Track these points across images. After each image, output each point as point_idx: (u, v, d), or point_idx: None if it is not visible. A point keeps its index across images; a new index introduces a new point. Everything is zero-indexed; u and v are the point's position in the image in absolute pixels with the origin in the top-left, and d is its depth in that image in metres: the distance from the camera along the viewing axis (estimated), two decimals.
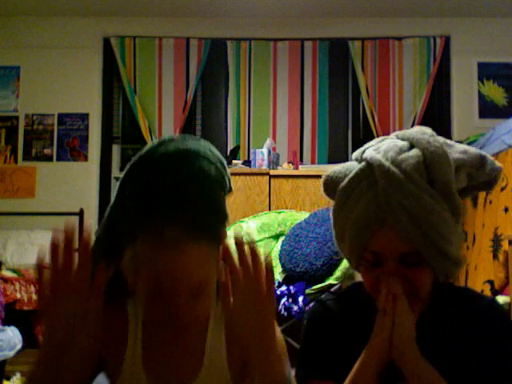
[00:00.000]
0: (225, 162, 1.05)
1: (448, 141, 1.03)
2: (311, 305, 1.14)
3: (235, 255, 0.84)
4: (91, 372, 0.97)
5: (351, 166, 1.04)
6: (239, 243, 0.83)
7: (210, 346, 1.02)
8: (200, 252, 0.91)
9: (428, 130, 1.02)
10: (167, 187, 0.93)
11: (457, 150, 1.01)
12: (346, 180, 1.01)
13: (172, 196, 0.92)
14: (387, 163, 0.95)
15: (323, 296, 1.14)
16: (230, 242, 0.87)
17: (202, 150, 1.00)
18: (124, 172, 1.01)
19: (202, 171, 0.96)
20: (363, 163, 1.01)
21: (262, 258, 0.83)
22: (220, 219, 0.99)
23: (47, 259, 0.83)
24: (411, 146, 0.99)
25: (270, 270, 0.83)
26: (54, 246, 0.83)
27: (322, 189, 1.08)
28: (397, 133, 1.06)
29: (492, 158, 1.01)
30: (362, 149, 1.07)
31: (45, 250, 0.83)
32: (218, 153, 1.04)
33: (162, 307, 0.91)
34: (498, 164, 1.01)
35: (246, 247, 0.82)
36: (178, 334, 0.97)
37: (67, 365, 0.84)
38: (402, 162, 0.95)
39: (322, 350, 1.07)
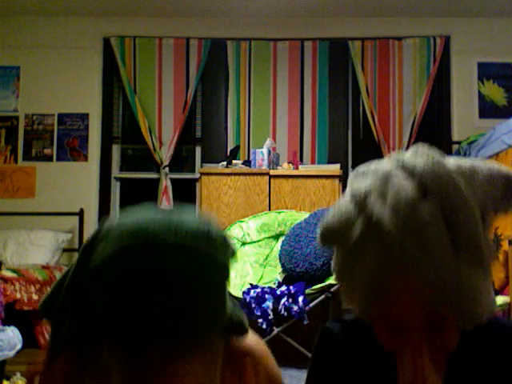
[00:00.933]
0: (226, 238, 0.80)
1: (466, 167, 0.86)
2: (318, 335, 1.01)
3: None
4: None
5: (351, 217, 0.85)
6: None
7: None
8: (195, 370, 0.74)
9: (442, 167, 0.84)
10: (149, 293, 0.70)
11: (480, 181, 0.85)
12: (351, 241, 0.84)
13: (156, 305, 0.70)
14: (400, 230, 0.79)
15: (329, 324, 1.02)
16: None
17: (200, 227, 0.75)
18: (83, 249, 0.80)
19: (199, 279, 0.73)
20: (366, 219, 0.83)
21: None
22: (218, 327, 0.79)
23: None
24: (424, 192, 0.81)
25: None
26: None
27: (318, 240, 0.93)
28: (403, 159, 0.88)
29: None
30: (360, 188, 0.86)
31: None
32: (218, 232, 0.78)
33: None
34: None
35: None
36: None
37: None
38: (419, 227, 0.78)
39: None
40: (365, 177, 0.88)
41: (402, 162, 0.86)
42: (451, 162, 0.86)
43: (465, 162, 0.87)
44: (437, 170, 0.83)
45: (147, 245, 0.71)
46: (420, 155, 0.87)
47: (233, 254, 0.80)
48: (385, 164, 0.88)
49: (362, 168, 0.91)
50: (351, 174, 0.92)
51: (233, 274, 3.15)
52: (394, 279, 0.80)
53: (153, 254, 0.71)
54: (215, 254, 0.75)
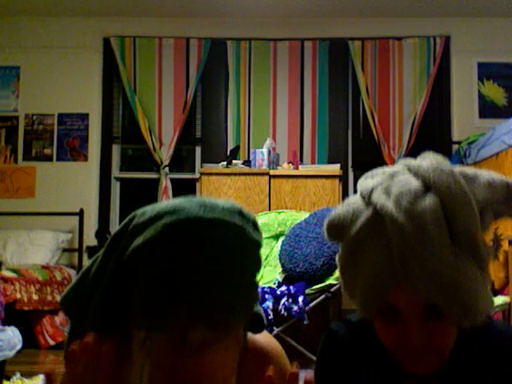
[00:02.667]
0: (257, 224, 0.83)
1: (469, 172, 0.89)
2: (322, 338, 1.02)
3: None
4: None
5: (357, 210, 0.89)
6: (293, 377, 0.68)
7: None
8: (226, 352, 0.76)
9: (446, 166, 0.87)
10: (195, 277, 0.71)
11: (481, 183, 0.88)
12: (354, 230, 0.87)
13: (201, 290, 0.71)
14: (401, 216, 0.82)
15: (333, 325, 1.03)
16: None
17: (237, 218, 0.78)
18: (120, 226, 0.78)
19: (238, 255, 0.75)
20: (371, 210, 0.86)
21: None
22: (251, 308, 0.80)
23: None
24: (426, 188, 0.85)
25: None
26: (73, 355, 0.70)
27: (325, 234, 0.95)
28: (410, 163, 0.91)
29: None
30: (368, 185, 0.91)
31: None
32: (249, 213, 0.82)
33: None
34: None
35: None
36: None
37: None
38: (419, 215, 0.81)
39: None
40: (373, 177, 0.92)
41: (409, 164, 0.91)
42: (456, 167, 0.90)
43: (468, 169, 0.90)
44: (440, 169, 0.86)
45: (187, 220, 0.72)
46: (425, 159, 0.90)
47: (261, 234, 0.81)
48: (392, 167, 0.93)
49: (371, 171, 0.95)
50: (362, 177, 0.96)
51: None
52: (394, 269, 0.82)
53: (194, 229, 0.72)
54: (249, 229, 0.77)
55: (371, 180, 0.91)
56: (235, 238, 0.74)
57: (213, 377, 0.74)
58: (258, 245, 0.78)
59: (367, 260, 0.85)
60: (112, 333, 0.75)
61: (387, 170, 0.92)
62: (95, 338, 0.71)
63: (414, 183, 0.85)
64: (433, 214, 0.81)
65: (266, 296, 3.01)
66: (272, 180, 4.07)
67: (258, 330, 0.86)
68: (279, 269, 3.41)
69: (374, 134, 4.70)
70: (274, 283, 3.34)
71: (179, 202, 0.76)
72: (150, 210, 0.76)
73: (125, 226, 0.77)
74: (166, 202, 0.77)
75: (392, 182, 0.88)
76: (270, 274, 3.50)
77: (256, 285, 0.80)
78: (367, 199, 0.88)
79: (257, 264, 0.78)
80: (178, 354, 0.72)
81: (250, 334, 0.87)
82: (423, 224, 0.81)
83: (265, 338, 0.90)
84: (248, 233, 0.76)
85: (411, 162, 0.91)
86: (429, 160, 0.89)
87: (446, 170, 0.86)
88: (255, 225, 0.80)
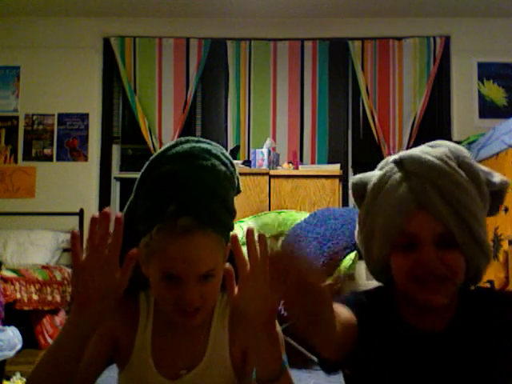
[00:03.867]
0: (235, 166, 1.17)
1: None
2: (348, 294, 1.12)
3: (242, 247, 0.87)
4: (107, 358, 1.06)
5: (377, 172, 1.07)
6: (249, 232, 0.85)
7: (214, 336, 1.10)
8: (209, 241, 1.02)
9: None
10: (181, 182, 1.05)
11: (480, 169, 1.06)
12: (378, 177, 1.04)
13: (186, 189, 1.04)
14: (419, 153, 1.00)
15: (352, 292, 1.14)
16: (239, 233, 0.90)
17: (214, 150, 1.13)
18: (142, 169, 1.12)
19: (214, 168, 1.08)
20: (391, 163, 1.05)
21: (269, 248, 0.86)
22: (228, 213, 1.10)
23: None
24: (435, 147, 1.04)
25: (279, 256, 0.82)
26: (94, 220, 0.87)
27: (351, 193, 1.11)
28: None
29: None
30: (383, 160, 1.10)
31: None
32: (229, 156, 1.17)
33: (172, 291, 0.99)
34: (506, 178, 1.06)
35: (255, 237, 0.84)
36: (186, 320, 1.01)
37: (89, 342, 0.90)
38: (436, 152, 1.00)
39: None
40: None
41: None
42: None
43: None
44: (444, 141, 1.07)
45: (183, 152, 1.10)
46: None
47: (234, 166, 1.17)
48: None
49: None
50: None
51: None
52: (414, 197, 0.97)
53: (186, 154, 1.09)
54: (222, 165, 1.12)
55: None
56: (211, 165, 1.08)
57: (200, 256, 0.99)
58: (229, 172, 1.13)
59: (389, 195, 1.00)
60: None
61: None
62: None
63: (424, 146, 1.07)
64: (444, 149, 1.01)
65: None
66: (272, 180, 4.06)
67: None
68: None
69: (374, 134, 4.70)
70: None
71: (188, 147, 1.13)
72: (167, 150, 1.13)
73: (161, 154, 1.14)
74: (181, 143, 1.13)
75: (414, 151, 1.06)
76: None
77: (230, 196, 1.12)
78: (385, 163, 1.07)
79: (230, 182, 1.12)
80: (171, 235, 0.98)
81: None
82: (436, 154, 0.99)
83: None
84: (219, 164, 1.11)
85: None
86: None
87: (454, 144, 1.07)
88: (231, 162, 1.17)
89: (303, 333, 0.82)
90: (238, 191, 1.20)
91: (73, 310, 0.89)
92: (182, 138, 1.15)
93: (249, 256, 0.85)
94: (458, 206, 0.95)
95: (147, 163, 1.13)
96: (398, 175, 1.01)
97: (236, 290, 0.86)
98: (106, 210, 0.87)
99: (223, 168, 1.11)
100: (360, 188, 1.08)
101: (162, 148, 1.13)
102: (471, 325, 1.02)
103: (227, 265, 0.87)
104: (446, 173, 0.97)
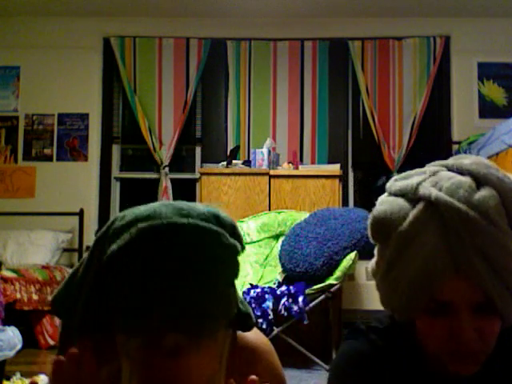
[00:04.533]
0: (236, 226, 0.83)
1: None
2: (347, 340, 0.97)
3: None
4: None
5: (405, 207, 0.86)
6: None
7: None
8: (206, 358, 0.76)
9: (488, 162, 0.87)
10: (168, 285, 0.72)
11: None
12: (407, 223, 0.84)
13: (175, 296, 0.72)
14: (460, 204, 0.80)
15: (360, 325, 0.98)
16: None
17: (209, 226, 0.76)
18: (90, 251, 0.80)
19: (213, 260, 0.74)
20: (423, 203, 0.84)
21: None
22: (230, 316, 0.80)
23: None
24: (478, 183, 0.83)
25: None
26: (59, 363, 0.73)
27: (369, 233, 0.92)
28: (446, 162, 0.89)
29: None
30: (408, 183, 0.87)
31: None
32: (227, 218, 0.81)
33: None
34: None
35: None
36: None
37: None
38: (480, 203, 0.80)
39: None
40: (408, 178, 0.89)
41: (446, 164, 0.89)
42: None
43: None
44: (485, 164, 0.86)
45: (161, 225, 0.72)
46: (463, 158, 0.89)
47: (241, 239, 0.81)
48: (428, 167, 0.91)
49: (401, 174, 0.92)
50: (391, 180, 0.92)
51: None
52: (450, 257, 0.81)
53: (167, 234, 0.72)
54: (226, 234, 0.76)
55: (406, 180, 0.88)
56: (209, 244, 0.74)
57: (191, 379, 0.74)
58: (236, 250, 0.78)
59: (420, 251, 0.82)
60: (98, 334, 0.76)
61: (424, 169, 0.90)
62: (79, 348, 0.73)
63: (464, 178, 0.84)
64: (494, 201, 0.81)
65: (266, 296, 3.01)
66: (272, 180, 4.07)
67: (246, 329, 0.86)
68: (279, 269, 3.41)
69: (374, 133, 4.70)
70: (274, 283, 3.34)
71: (158, 206, 0.76)
72: (129, 214, 0.76)
73: (106, 229, 0.77)
74: (146, 206, 0.77)
75: (437, 178, 0.86)
76: (269, 274, 3.50)
77: (233, 290, 0.79)
78: (412, 194, 0.85)
79: (234, 269, 0.78)
80: (154, 357, 0.73)
81: (239, 332, 0.87)
82: (486, 211, 0.80)
83: (254, 335, 0.90)
84: (224, 238, 0.76)
85: (447, 162, 0.89)
86: (468, 159, 0.88)
87: (491, 165, 0.86)
88: (234, 229, 0.80)
89: None
90: (243, 249, 0.85)
91: None
92: (163, 205, 0.78)
93: None
94: (499, 268, 0.81)
95: (93, 246, 0.79)
96: (432, 226, 0.82)
97: None
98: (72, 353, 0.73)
99: (225, 253, 0.77)
100: (384, 229, 0.88)
101: (134, 215, 0.76)
102: (499, 369, 0.92)
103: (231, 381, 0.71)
104: (496, 240, 0.80)
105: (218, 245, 0.75)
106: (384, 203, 0.89)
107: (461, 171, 0.85)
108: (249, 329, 0.87)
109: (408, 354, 0.92)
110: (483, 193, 0.81)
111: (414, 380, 0.91)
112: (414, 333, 0.89)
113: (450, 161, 0.89)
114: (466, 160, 0.87)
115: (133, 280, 0.71)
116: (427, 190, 0.83)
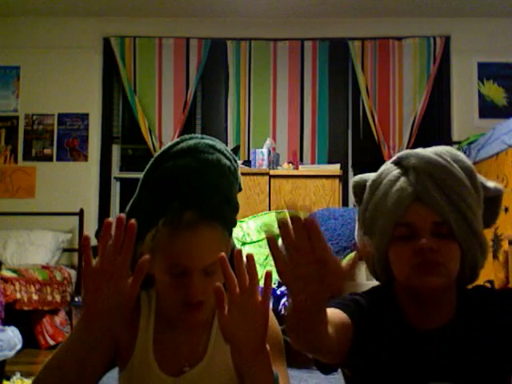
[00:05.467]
0: (238, 162, 1.20)
1: None
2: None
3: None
4: (109, 360, 1.04)
5: (386, 169, 1.12)
6: (238, 254, 0.84)
7: (215, 335, 1.09)
8: (213, 234, 1.04)
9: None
10: (186, 176, 1.08)
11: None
12: (375, 174, 1.11)
13: (190, 184, 1.07)
14: (415, 151, 1.07)
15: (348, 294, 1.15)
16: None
17: (218, 145, 1.15)
18: (147, 167, 1.14)
19: (219, 162, 1.11)
20: (390, 164, 1.11)
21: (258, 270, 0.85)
22: (232, 208, 1.15)
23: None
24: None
25: (267, 286, 0.85)
26: (108, 225, 0.86)
27: (351, 191, 1.17)
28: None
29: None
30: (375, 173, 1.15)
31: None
32: (232, 153, 1.19)
33: (177, 284, 1.00)
34: (501, 187, 1.12)
35: (244, 259, 0.84)
36: (190, 315, 1.01)
37: (97, 347, 0.89)
38: (429, 149, 1.07)
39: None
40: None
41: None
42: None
43: None
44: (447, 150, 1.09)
45: (188, 148, 1.13)
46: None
47: (235, 161, 1.19)
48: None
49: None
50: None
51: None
52: (413, 191, 1.02)
53: (197, 151, 1.12)
54: (226, 159, 1.14)
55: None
56: (220, 167, 1.11)
57: (203, 248, 1.01)
58: (233, 167, 1.16)
59: (388, 190, 1.04)
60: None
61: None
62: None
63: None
64: (441, 149, 1.07)
65: None
66: (272, 180, 4.07)
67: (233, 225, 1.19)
68: None
69: (374, 133, 4.70)
70: (274, 283, 3.34)
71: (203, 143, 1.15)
72: (185, 142, 1.16)
73: (168, 148, 1.16)
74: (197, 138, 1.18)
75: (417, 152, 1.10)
76: None
77: (234, 191, 1.17)
78: (378, 175, 1.10)
79: (234, 176, 1.16)
80: (176, 229, 1.00)
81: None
82: (435, 151, 1.05)
83: None
84: (224, 158, 1.13)
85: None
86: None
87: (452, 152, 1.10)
88: (234, 158, 1.19)
89: (296, 336, 0.85)
90: (240, 189, 1.23)
91: (82, 316, 0.88)
92: (186, 136, 1.17)
93: (238, 279, 0.83)
94: (453, 196, 1.00)
95: (152, 160, 1.14)
96: (396, 171, 1.06)
97: (226, 311, 0.83)
98: (121, 215, 0.87)
99: (227, 163, 1.14)
100: (360, 186, 1.13)
101: (167, 145, 1.15)
102: (471, 322, 1.03)
103: (217, 284, 0.85)
104: (443, 165, 1.03)
105: (222, 156, 1.13)
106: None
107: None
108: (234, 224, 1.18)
109: (387, 309, 1.06)
110: (434, 148, 1.08)
111: (392, 332, 1.04)
112: (393, 292, 1.07)
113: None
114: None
115: (163, 179, 1.09)
116: (394, 157, 1.11)
